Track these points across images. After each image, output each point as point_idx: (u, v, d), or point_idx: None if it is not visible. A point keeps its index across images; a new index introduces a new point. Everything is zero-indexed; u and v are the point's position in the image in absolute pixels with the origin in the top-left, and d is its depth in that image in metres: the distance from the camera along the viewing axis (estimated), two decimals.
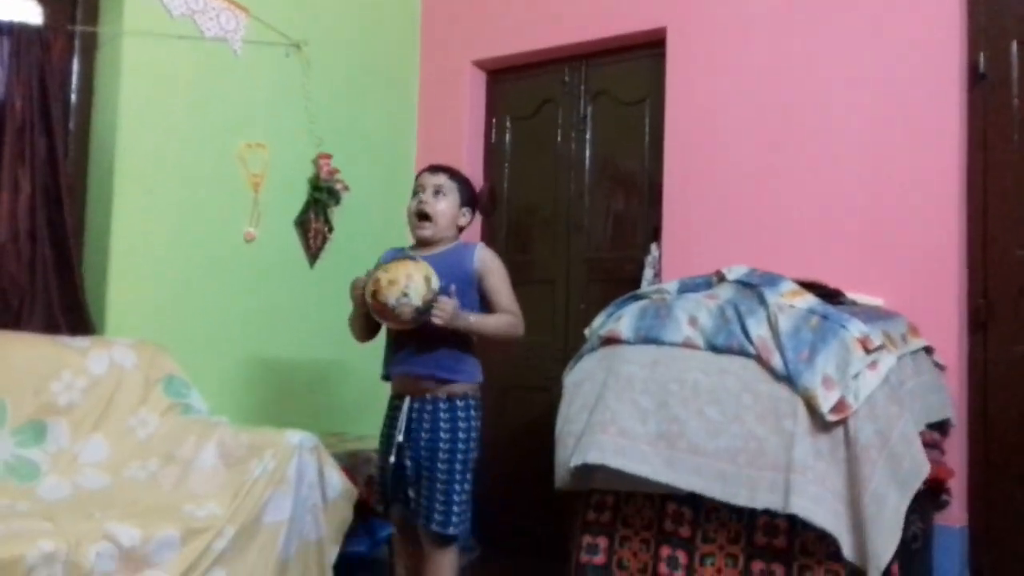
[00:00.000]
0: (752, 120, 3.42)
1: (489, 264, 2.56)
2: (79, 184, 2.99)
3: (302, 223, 3.67)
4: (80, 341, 2.75)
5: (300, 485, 2.58)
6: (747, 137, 3.42)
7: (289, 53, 3.58)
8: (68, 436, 2.61)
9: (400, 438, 2.46)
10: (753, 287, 2.72)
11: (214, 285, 3.32)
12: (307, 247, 3.69)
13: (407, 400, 2.48)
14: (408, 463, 2.46)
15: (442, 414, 2.48)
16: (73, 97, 2.99)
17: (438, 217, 2.53)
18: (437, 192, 2.55)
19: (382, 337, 2.62)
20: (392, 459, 2.47)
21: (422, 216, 2.53)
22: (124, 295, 3.01)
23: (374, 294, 2.32)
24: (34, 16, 2.94)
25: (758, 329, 2.55)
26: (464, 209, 2.62)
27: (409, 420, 2.47)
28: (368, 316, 2.46)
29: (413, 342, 2.45)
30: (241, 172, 3.43)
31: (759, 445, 2.39)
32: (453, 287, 2.39)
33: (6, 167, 2.68)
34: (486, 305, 2.55)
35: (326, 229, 3.75)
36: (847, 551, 2.26)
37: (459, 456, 2.49)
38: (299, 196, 3.67)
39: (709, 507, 2.56)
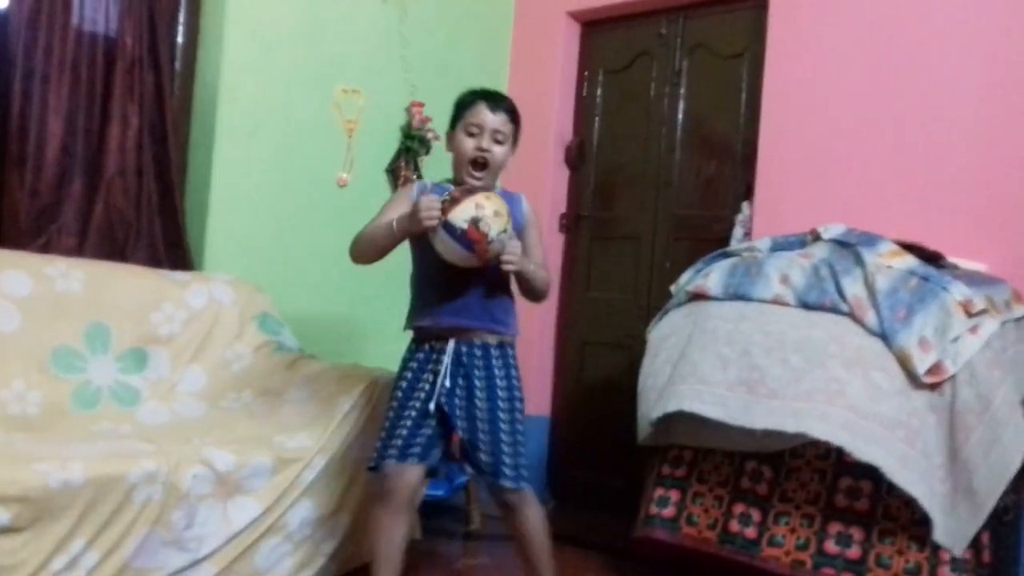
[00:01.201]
0: (855, 76, 3.30)
1: (532, 219, 2.39)
2: (183, 123, 3.08)
3: (393, 170, 3.71)
4: (181, 275, 2.85)
5: None
6: (848, 94, 3.31)
7: (386, 0, 3.60)
8: (168, 365, 2.71)
9: (447, 383, 2.19)
10: (850, 246, 2.66)
11: (308, 228, 3.39)
12: None
13: (451, 343, 2.23)
14: (457, 411, 2.19)
15: (495, 360, 2.27)
16: (180, 37, 3.07)
17: (494, 165, 2.27)
18: (497, 139, 2.26)
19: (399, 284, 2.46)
20: (433, 404, 2.19)
21: (479, 164, 2.25)
22: (222, 233, 3.10)
23: (475, 221, 2.03)
24: None
25: (853, 288, 2.50)
26: (512, 151, 2.36)
27: (457, 365, 2.22)
28: (394, 243, 2.23)
29: (466, 291, 2.22)
30: (336, 118, 3.47)
31: (840, 387, 2.30)
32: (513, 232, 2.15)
33: (116, 102, 2.77)
34: None
35: (416, 177, 3.78)
36: (934, 510, 2.19)
37: (518, 404, 2.28)
38: (391, 143, 3.70)
39: (790, 467, 2.54)
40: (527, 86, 4.22)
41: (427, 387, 2.22)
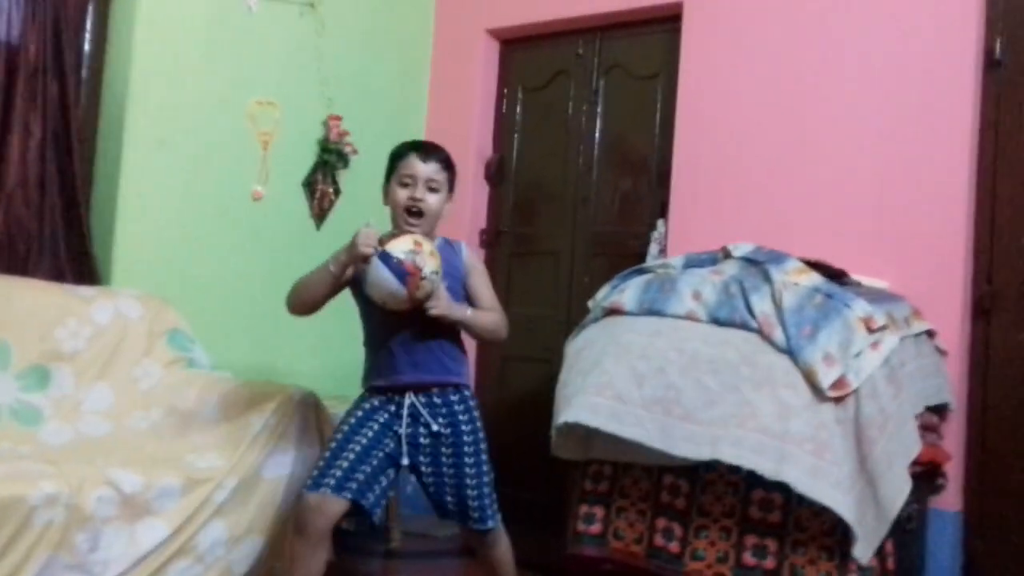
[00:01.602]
0: (764, 99, 3.40)
1: (476, 264, 2.46)
2: (89, 132, 2.99)
3: (310, 184, 3.67)
4: (86, 290, 2.76)
5: (301, 441, 2.60)
6: (759, 116, 3.41)
7: (303, 12, 3.57)
8: (72, 383, 2.62)
9: (402, 431, 2.26)
10: (758, 264, 2.73)
11: (221, 242, 3.32)
12: (314, 209, 3.68)
13: (408, 396, 2.29)
14: (416, 461, 2.29)
15: (457, 406, 2.35)
16: (87, 44, 2.98)
17: (430, 214, 2.32)
18: (431, 187, 2.32)
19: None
20: (404, 460, 2.26)
21: (414, 213, 2.30)
22: (131, 247, 3.02)
23: (412, 254, 2.10)
24: None
25: (761, 305, 2.56)
26: (451, 196, 2.43)
27: (415, 416, 2.29)
28: (336, 286, 2.31)
29: (420, 345, 2.28)
30: (251, 129, 3.42)
31: (752, 411, 2.37)
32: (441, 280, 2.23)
33: (18, 110, 2.68)
34: (472, 301, 2.41)
35: (332, 192, 3.74)
36: (848, 515, 2.24)
37: (483, 446, 2.38)
38: (308, 157, 3.66)
39: (706, 480, 2.58)
40: (447, 102, 4.23)
41: (377, 427, 2.26)
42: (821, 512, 2.31)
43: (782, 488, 2.37)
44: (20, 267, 2.70)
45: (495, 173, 4.18)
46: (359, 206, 3.85)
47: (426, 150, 2.35)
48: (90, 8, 2.98)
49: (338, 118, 3.70)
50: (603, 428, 2.54)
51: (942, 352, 2.85)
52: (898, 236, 3.07)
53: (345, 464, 2.19)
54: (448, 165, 2.37)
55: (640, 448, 2.54)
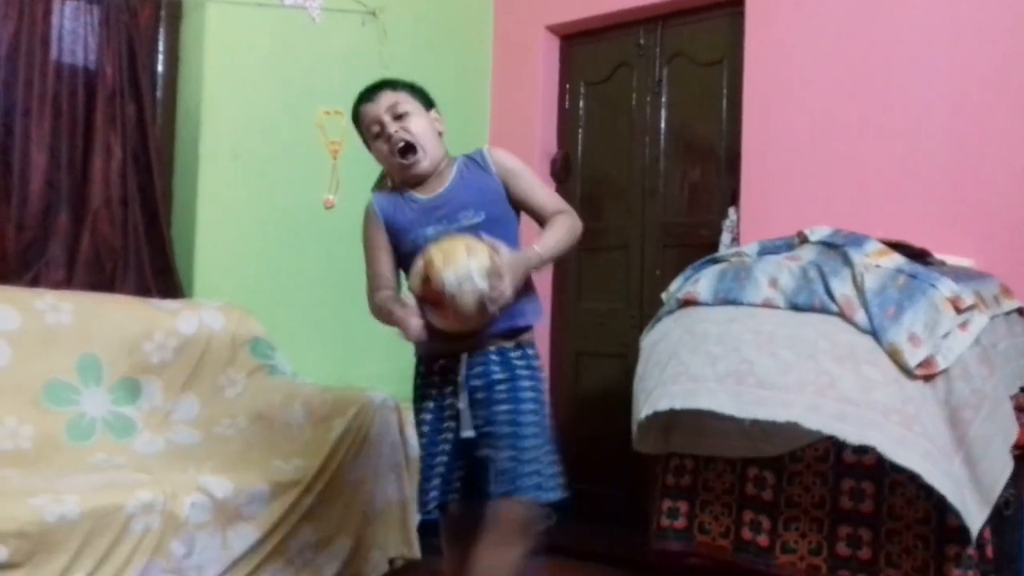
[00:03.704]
0: (833, 78, 3.33)
1: (509, 164, 2.08)
2: (166, 151, 3.07)
3: (379, 190, 3.70)
4: (170, 303, 2.84)
5: (382, 444, 2.63)
6: (828, 96, 3.33)
7: (365, 20, 3.61)
8: (161, 394, 2.70)
9: (462, 406, 1.96)
10: (837, 247, 2.67)
11: (295, 250, 3.38)
12: None
13: (464, 359, 1.97)
14: (478, 435, 1.97)
15: (516, 361, 2.00)
16: (160, 65, 3.07)
17: (422, 140, 2.02)
18: (399, 115, 2.01)
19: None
20: (467, 433, 1.97)
21: (406, 150, 2.00)
22: (210, 259, 3.09)
23: (425, 279, 1.79)
24: None
25: (842, 288, 2.50)
26: (433, 113, 2.13)
27: (470, 380, 1.97)
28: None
29: None
30: (320, 139, 3.48)
31: (831, 380, 2.27)
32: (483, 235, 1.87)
33: (99, 133, 2.77)
34: (524, 211, 2.08)
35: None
36: (942, 487, 2.10)
37: (544, 409, 2.06)
38: (375, 164, 3.69)
39: (791, 471, 2.54)
40: (509, 101, 4.23)
41: (453, 424, 1.99)
42: (915, 500, 2.25)
43: (873, 477, 2.31)
44: (107, 284, 2.79)
45: (561, 169, 4.17)
46: None
47: (369, 91, 2.07)
48: (161, 30, 3.06)
49: None
50: (677, 406, 2.48)
51: None
52: (980, 213, 2.97)
53: (437, 483, 2.03)
54: (401, 86, 2.08)
55: (720, 436, 2.51)
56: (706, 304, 2.75)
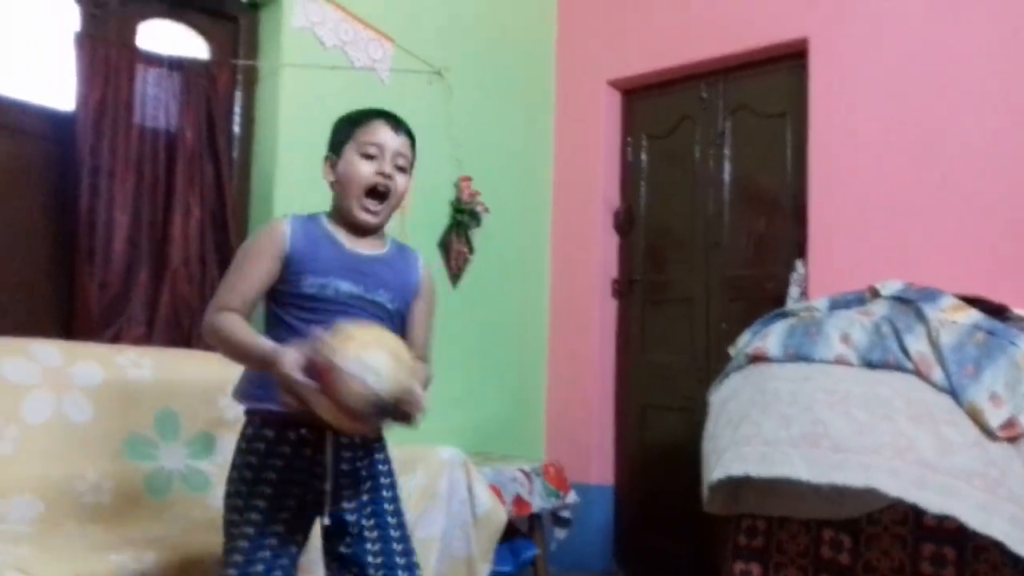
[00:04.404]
0: (899, 130, 3.30)
1: (429, 287, 1.96)
2: (242, 210, 3.16)
3: (445, 245, 3.76)
4: None
5: (451, 501, 2.63)
6: (895, 147, 3.31)
7: (432, 80, 3.69)
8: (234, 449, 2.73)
9: (328, 488, 1.76)
10: (910, 302, 2.62)
11: None
12: (449, 268, 3.77)
13: (329, 440, 1.75)
14: (344, 521, 1.79)
15: (380, 465, 1.89)
16: (236, 127, 3.17)
17: (395, 200, 1.84)
18: (399, 166, 1.84)
19: None
20: (327, 520, 1.78)
21: (380, 193, 1.81)
22: None
23: (328, 349, 1.52)
24: (201, 52, 3.14)
25: (917, 344, 2.46)
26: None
27: (337, 469, 1.77)
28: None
29: None
30: None
31: (909, 443, 2.22)
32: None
33: (179, 193, 2.86)
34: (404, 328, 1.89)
35: (467, 250, 3.82)
36: None
37: (402, 505, 1.94)
38: (442, 218, 3.76)
39: (869, 534, 2.47)
40: (572, 155, 4.28)
41: (294, 503, 1.76)
42: (1001, 567, 2.17)
43: (955, 542, 2.24)
44: (184, 340, 2.86)
45: (624, 222, 4.19)
46: (493, 263, 3.93)
47: (396, 119, 1.88)
48: (238, 94, 3.17)
49: (469, 179, 3.79)
50: (752, 474, 2.45)
51: None
52: None
53: (262, 569, 1.79)
54: (415, 144, 1.91)
55: (793, 497, 2.46)
56: (776, 360, 2.71)
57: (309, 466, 1.76)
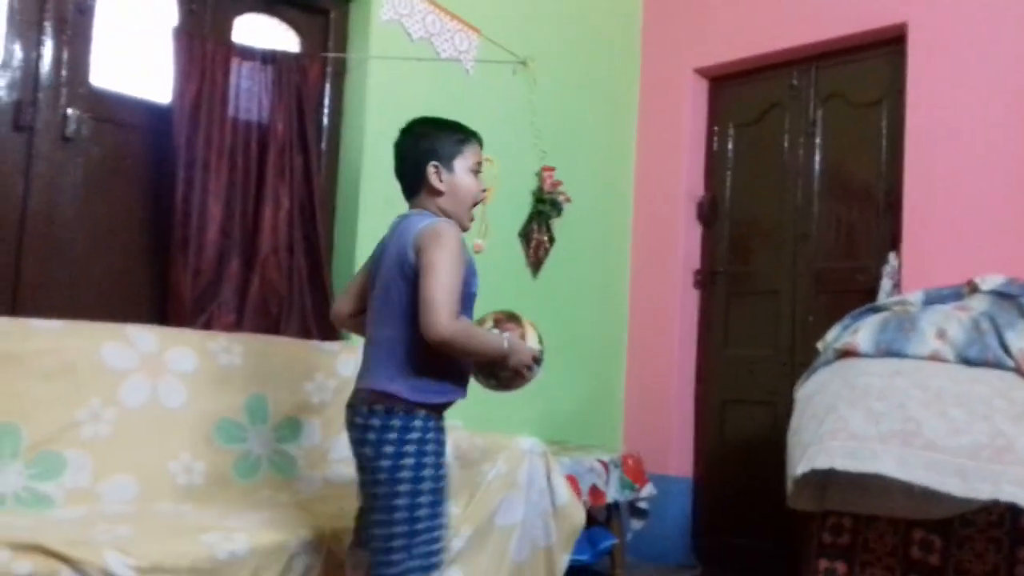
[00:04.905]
0: (1000, 117, 3.17)
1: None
2: (329, 200, 3.22)
3: (526, 234, 3.76)
4: (330, 345, 2.96)
5: (530, 490, 2.64)
6: (995, 135, 3.17)
7: (516, 70, 3.69)
8: (320, 433, 2.80)
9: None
10: (1012, 298, 2.53)
11: None
12: (530, 258, 3.77)
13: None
14: None
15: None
16: (325, 119, 3.23)
17: None
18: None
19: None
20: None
21: (477, 205, 2.11)
22: None
23: (540, 339, 2.07)
24: (292, 45, 3.21)
25: (1019, 342, 2.37)
26: None
27: None
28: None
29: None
30: None
31: (1008, 443, 2.14)
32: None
33: (269, 184, 2.93)
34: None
35: (548, 240, 3.82)
36: None
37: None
38: (523, 208, 3.77)
39: (962, 536, 2.39)
40: (655, 144, 4.23)
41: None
42: None
43: None
44: (273, 326, 2.94)
45: (707, 212, 4.12)
46: (573, 253, 3.92)
47: (479, 138, 2.12)
48: (327, 86, 3.23)
49: (551, 169, 3.78)
50: (838, 467, 2.38)
51: None
52: None
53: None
54: None
55: (883, 496, 2.39)
56: (867, 355, 2.64)
57: None
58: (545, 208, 3.78)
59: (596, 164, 4.11)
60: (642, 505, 3.56)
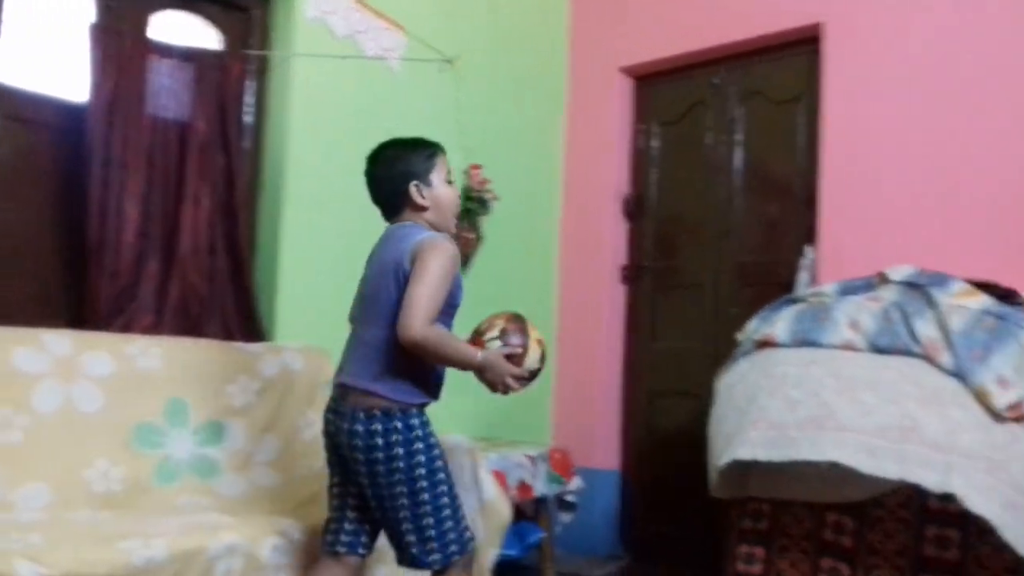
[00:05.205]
0: (913, 114, 3.27)
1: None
2: (252, 200, 3.18)
3: (454, 232, 3.76)
4: (254, 346, 2.92)
5: (458, 487, 2.64)
6: (908, 132, 3.28)
7: (442, 68, 3.69)
8: (244, 436, 2.77)
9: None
10: (920, 288, 2.61)
11: None
12: None
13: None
14: None
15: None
16: (248, 118, 3.19)
17: None
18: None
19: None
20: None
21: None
22: (292, 303, 3.18)
23: (543, 358, 2.17)
24: (213, 42, 3.16)
25: (926, 329, 2.45)
26: None
27: None
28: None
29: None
30: None
31: (914, 424, 2.24)
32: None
33: (189, 184, 2.89)
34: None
35: (475, 238, 3.83)
36: (1017, 542, 2.07)
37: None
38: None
39: (873, 517, 2.47)
40: (583, 142, 4.28)
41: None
42: (1003, 549, 2.16)
43: (958, 524, 2.24)
44: (193, 329, 2.89)
45: (633, 208, 4.18)
46: (501, 250, 3.94)
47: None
48: (250, 84, 3.19)
49: (479, 167, 3.80)
50: (760, 457, 2.46)
51: None
52: None
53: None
54: None
55: (799, 481, 2.46)
56: (784, 345, 2.71)
57: None
58: (473, 206, 3.79)
59: (524, 162, 4.14)
60: (570, 498, 3.59)
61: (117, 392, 2.54)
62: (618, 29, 4.19)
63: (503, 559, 3.11)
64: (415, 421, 2.05)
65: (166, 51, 2.91)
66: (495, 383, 2.10)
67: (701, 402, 3.77)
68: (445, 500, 2.06)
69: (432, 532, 2.03)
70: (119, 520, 2.26)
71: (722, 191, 3.91)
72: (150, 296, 2.82)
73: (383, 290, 2.06)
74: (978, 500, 2.08)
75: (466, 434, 2.81)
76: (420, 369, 2.06)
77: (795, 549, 2.57)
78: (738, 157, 3.89)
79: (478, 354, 2.06)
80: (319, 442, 2.81)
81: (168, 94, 2.93)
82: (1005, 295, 2.63)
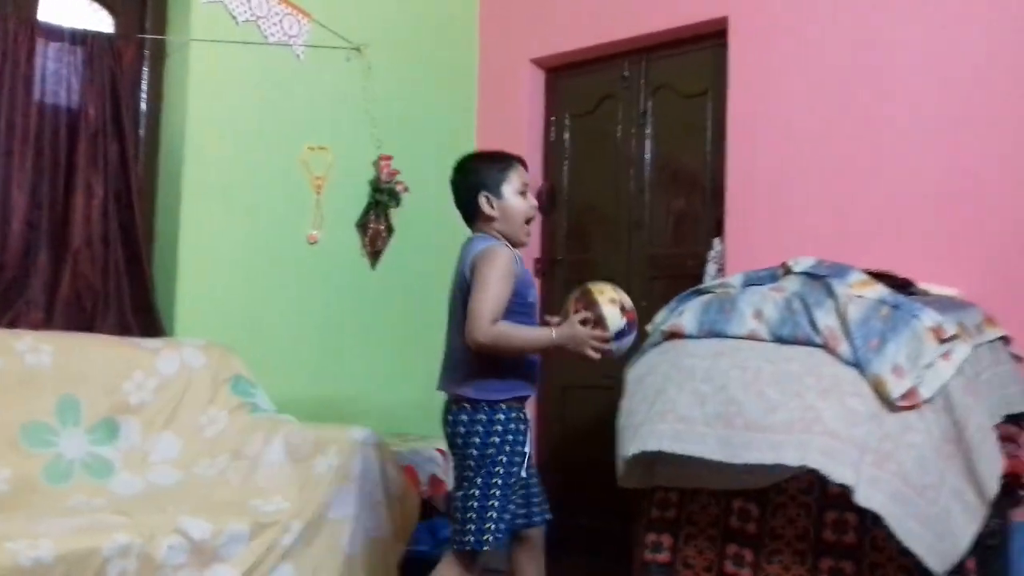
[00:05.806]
0: (817, 109, 3.35)
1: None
2: (149, 189, 3.08)
3: (363, 225, 3.71)
4: (151, 342, 2.83)
5: (364, 482, 2.61)
6: (812, 126, 3.35)
7: (350, 57, 3.63)
8: (140, 434, 2.68)
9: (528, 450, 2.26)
10: (820, 278, 2.66)
11: (278, 287, 3.38)
12: (367, 248, 3.73)
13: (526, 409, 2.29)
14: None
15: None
16: (143, 104, 3.08)
17: None
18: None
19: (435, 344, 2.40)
20: (524, 474, 2.27)
21: (531, 221, 2.33)
22: (192, 297, 3.08)
23: (623, 308, 2.23)
24: (105, 25, 3.04)
25: (826, 319, 2.50)
26: None
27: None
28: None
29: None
30: (304, 175, 3.48)
31: (816, 415, 2.29)
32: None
33: (80, 172, 2.78)
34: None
35: (385, 230, 3.78)
36: (899, 529, 2.14)
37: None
38: (360, 198, 3.71)
39: (776, 503, 2.51)
40: (495, 134, 4.25)
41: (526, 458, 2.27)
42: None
43: (857, 509, 2.29)
44: (87, 323, 2.78)
45: (546, 201, 4.18)
46: (412, 243, 3.89)
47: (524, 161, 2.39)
48: (145, 69, 3.08)
49: (388, 158, 3.75)
50: (666, 450, 2.49)
51: (1018, 359, 2.74)
52: (966, 241, 2.98)
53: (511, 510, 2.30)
54: None
55: (704, 469, 2.49)
56: (691, 336, 2.74)
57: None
58: (383, 198, 3.74)
59: (435, 153, 4.09)
60: None
61: (4, 390, 2.43)
62: (529, 20, 4.18)
63: (415, 554, 3.07)
64: (500, 416, 2.17)
65: (53, 33, 2.80)
66: (581, 354, 2.15)
67: (613, 394, 3.78)
68: (495, 492, 2.17)
69: (472, 514, 2.16)
70: (6, 521, 2.16)
71: (633, 184, 3.94)
72: (40, 290, 2.71)
73: (457, 301, 2.24)
74: (866, 493, 2.15)
75: (376, 428, 2.76)
76: (503, 366, 2.18)
77: (701, 536, 2.60)
78: (648, 150, 3.92)
79: (552, 332, 2.15)
80: (223, 439, 2.76)
81: (56, 79, 2.83)
82: (900, 284, 2.71)
